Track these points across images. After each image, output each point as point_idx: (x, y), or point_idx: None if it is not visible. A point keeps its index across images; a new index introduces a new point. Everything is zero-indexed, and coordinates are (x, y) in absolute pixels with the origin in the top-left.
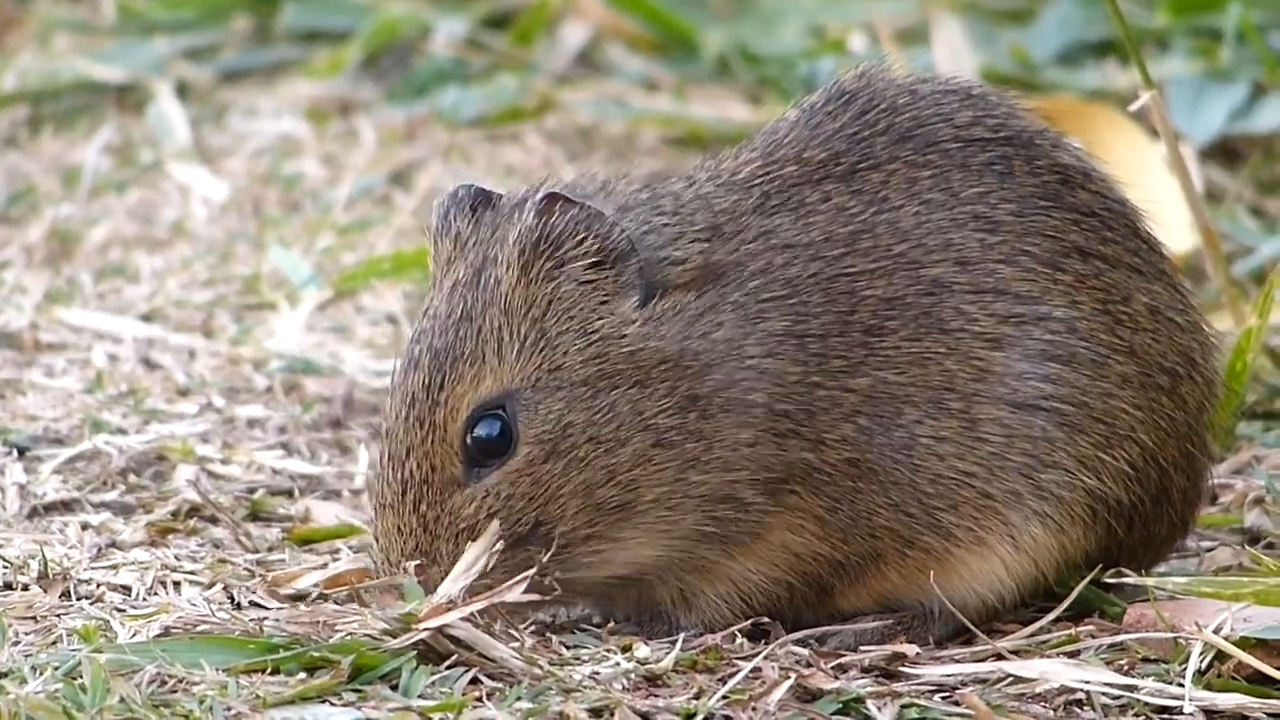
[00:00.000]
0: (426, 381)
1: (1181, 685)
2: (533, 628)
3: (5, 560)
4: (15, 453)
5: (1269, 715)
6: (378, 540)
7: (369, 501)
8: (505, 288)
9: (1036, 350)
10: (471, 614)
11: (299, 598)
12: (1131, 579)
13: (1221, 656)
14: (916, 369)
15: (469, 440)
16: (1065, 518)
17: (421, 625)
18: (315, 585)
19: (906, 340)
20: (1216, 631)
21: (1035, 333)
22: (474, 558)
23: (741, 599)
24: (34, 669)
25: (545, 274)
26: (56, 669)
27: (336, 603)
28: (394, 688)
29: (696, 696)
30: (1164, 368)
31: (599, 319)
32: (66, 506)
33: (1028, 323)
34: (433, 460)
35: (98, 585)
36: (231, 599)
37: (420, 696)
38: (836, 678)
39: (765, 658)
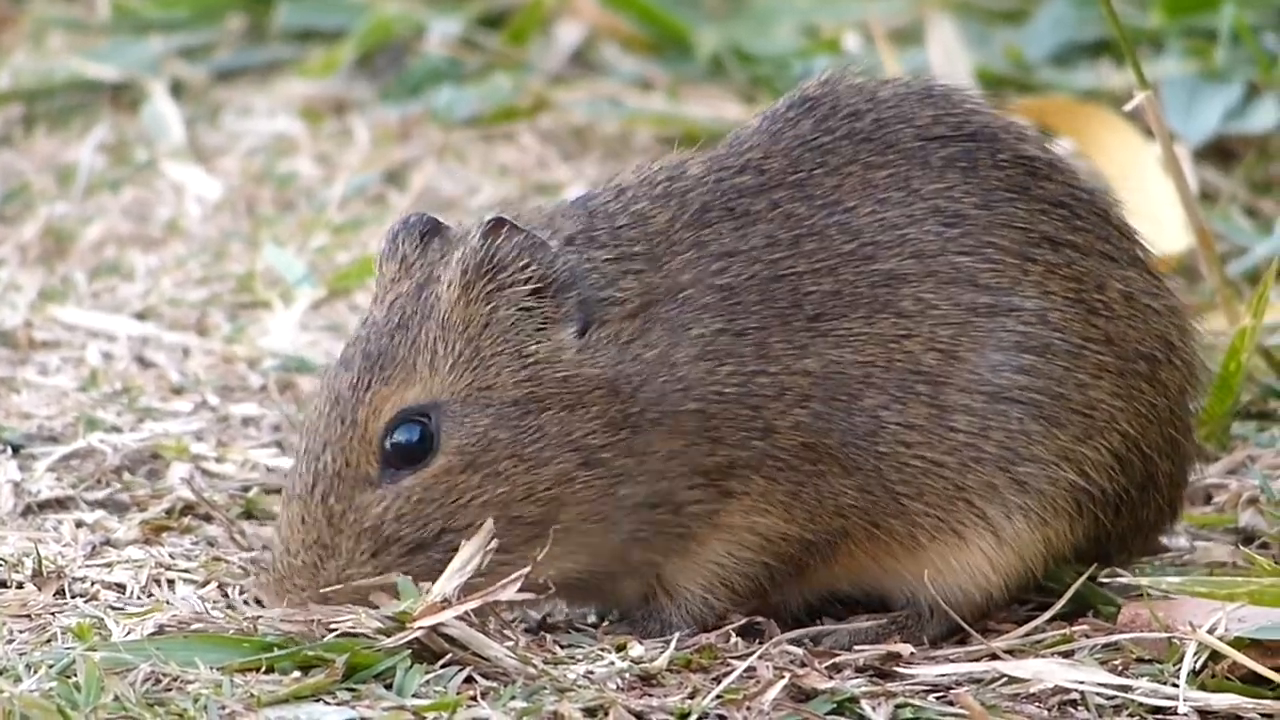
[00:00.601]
0: (354, 381)
1: (1176, 685)
2: (526, 626)
3: None
4: (9, 450)
5: (1263, 715)
6: (279, 530)
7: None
8: (445, 304)
9: (1010, 341)
10: (466, 613)
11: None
12: (1126, 579)
13: (1216, 657)
14: (875, 348)
15: (388, 442)
16: (1048, 510)
17: (416, 624)
18: None
19: (860, 322)
20: (1211, 632)
21: (1007, 324)
22: (468, 556)
23: (722, 583)
24: (28, 667)
25: (485, 295)
26: (51, 667)
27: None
28: (388, 687)
29: (691, 696)
30: (1142, 353)
31: (535, 344)
32: (61, 504)
33: (999, 314)
34: (348, 456)
35: (92, 583)
36: (226, 597)
37: (414, 695)
38: (831, 677)
39: (760, 657)
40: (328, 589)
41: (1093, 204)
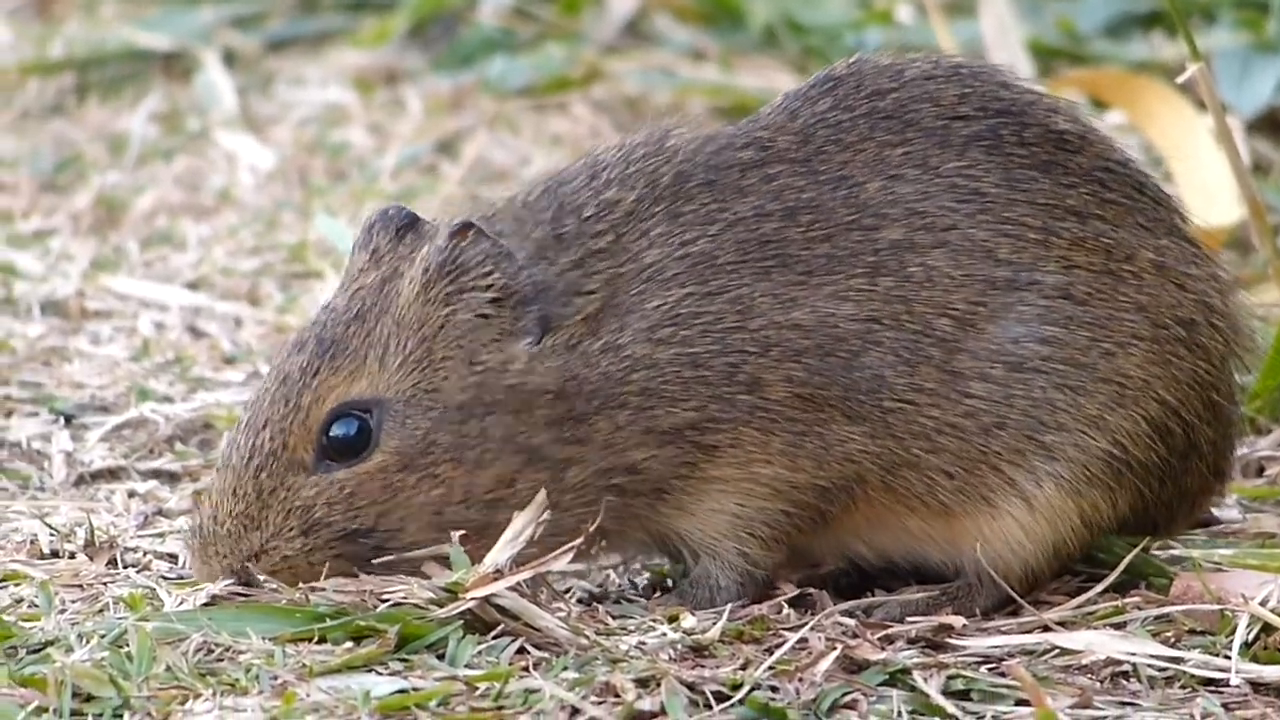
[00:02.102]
0: (304, 365)
1: (1228, 657)
2: (579, 597)
3: (52, 528)
4: (62, 421)
5: None
6: (210, 497)
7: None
8: (403, 301)
9: (1032, 315)
10: (518, 584)
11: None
12: (1178, 550)
13: (1268, 629)
14: (879, 304)
15: (326, 433)
16: (1081, 479)
17: (468, 595)
18: None
19: (862, 279)
20: (1263, 604)
21: (1028, 298)
22: (520, 527)
23: (747, 533)
24: (80, 637)
25: (444, 297)
26: (103, 637)
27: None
28: (440, 657)
29: (743, 667)
30: (1179, 319)
31: (487, 354)
32: (113, 474)
33: (1019, 288)
34: (286, 438)
35: (144, 553)
36: None
37: (466, 666)
38: (883, 649)
39: (812, 628)
40: (250, 560)
41: (1126, 175)
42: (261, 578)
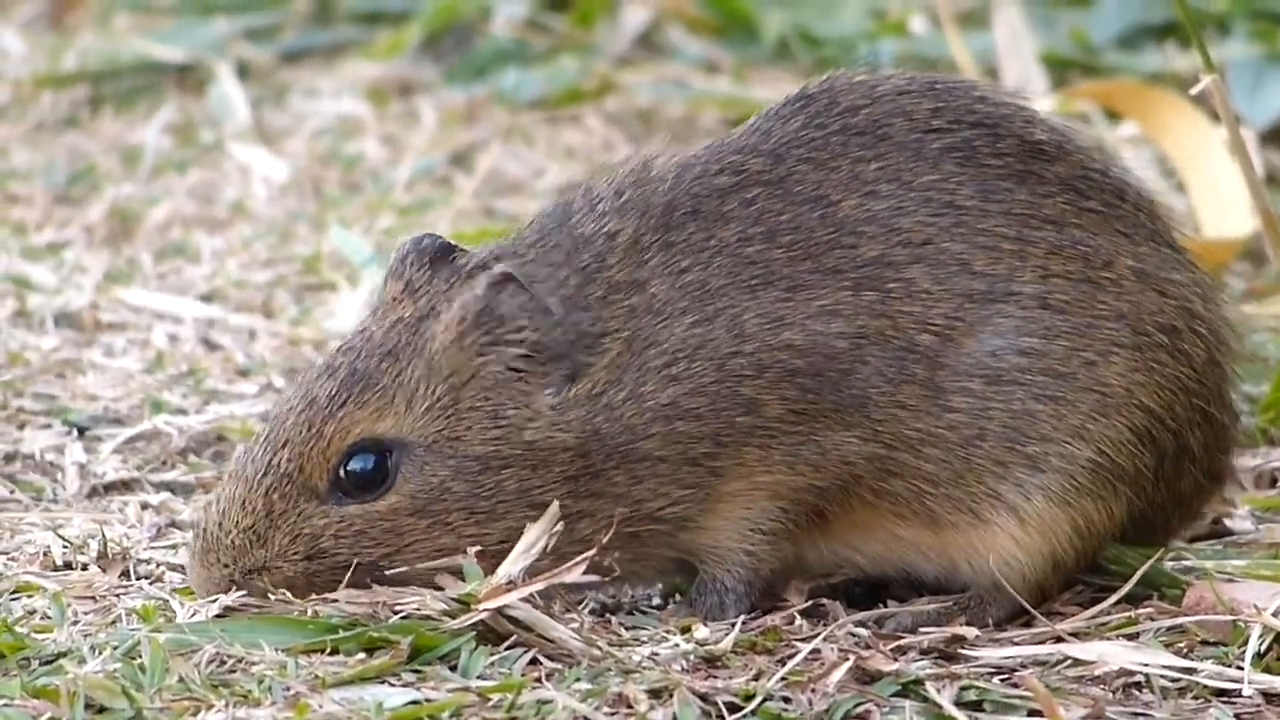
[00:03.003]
0: (333, 392)
1: (1241, 668)
2: (591, 608)
3: (65, 540)
4: (75, 432)
5: None
6: (217, 503)
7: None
8: (437, 346)
9: (1009, 327)
10: (531, 595)
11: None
12: (1191, 561)
13: None
14: (869, 319)
15: (344, 465)
16: (1070, 490)
17: (481, 606)
18: None
19: (848, 294)
20: (1276, 615)
21: (1005, 309)
22: (533, 539)
23: (751, 530)
24: (93, 649)
25: (478, 347)
26: (115, 649)
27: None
28: (453, 668)
29: (755, 678)
30: (1161, 326)
31: (513, 409)
32: (126, 486)
33: (995, 300)
34: (303, 463)
35: (157, 565)
36: None
37: (479, 677)
38: (896, 659)
39: (824, 639)
40: (249, 574)
41: (1106, 183)
42: (258, 590)
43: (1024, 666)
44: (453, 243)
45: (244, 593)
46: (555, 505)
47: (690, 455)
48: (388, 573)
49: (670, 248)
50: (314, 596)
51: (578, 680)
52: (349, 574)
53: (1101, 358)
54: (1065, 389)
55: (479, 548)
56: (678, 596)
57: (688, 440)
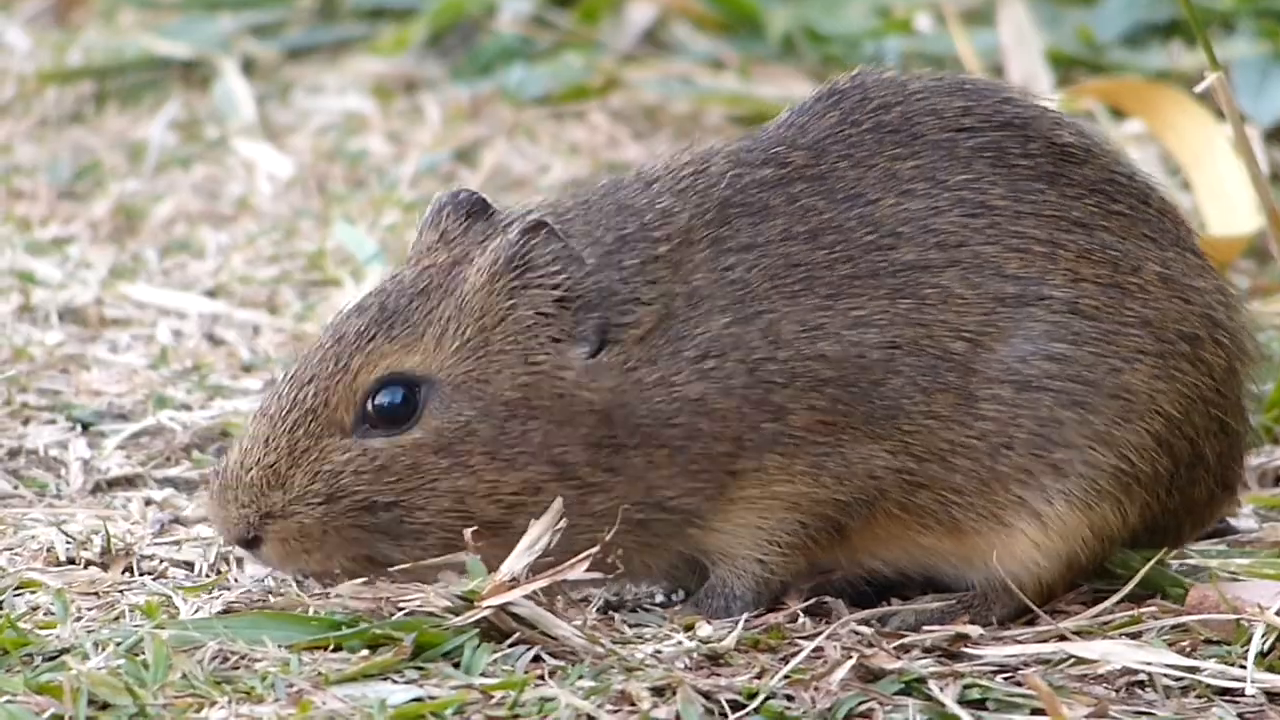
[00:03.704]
0: (361, 328)
1: (1244, 667)
2: (596, 606)
3: (68, 536)
4: (79, 428)
5: None
6: (241, 439)
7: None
8: (469, 287)
9: (1039, 331)
10: (534, 592)
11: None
12: (1194, 560)
13: None
14: (904, 329)
15: (371, 399)
16: (1090, 494)
17: (484, 603)
18: None
19: (884, 304)
20: (1279, 613)
21: (1036, 313)
22: (536, 535)
23: (768, 542)
24: (96, 645)
25: (509, 290)
26: (119, 645)
27: (400, 579)
28: (456, 665)
29: (759, 676)
30: (1183, 334)
31: (544, 354)
32: (130, 482)
33: (1027, 303)
34: (329, 397)
35: (160, 561)
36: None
37: (482, 674)
38: (899, 658)
39: (827, 637)
40: (266, 518)
41: (1131, 187)
42: (266, 548)
43: (1027, 665)
44: (489, 200)
45: (261, 548)
46: (559, 502)
47: (710, 453)
48: (402, 521)
49: (718, 243)
50: (322, 561)
51: (581, 678)
52: (364, 514)
53: (1127, 364)
54: (1092, 395)
55: (494, 496)
56: (681, 593)
57: (709, 438)
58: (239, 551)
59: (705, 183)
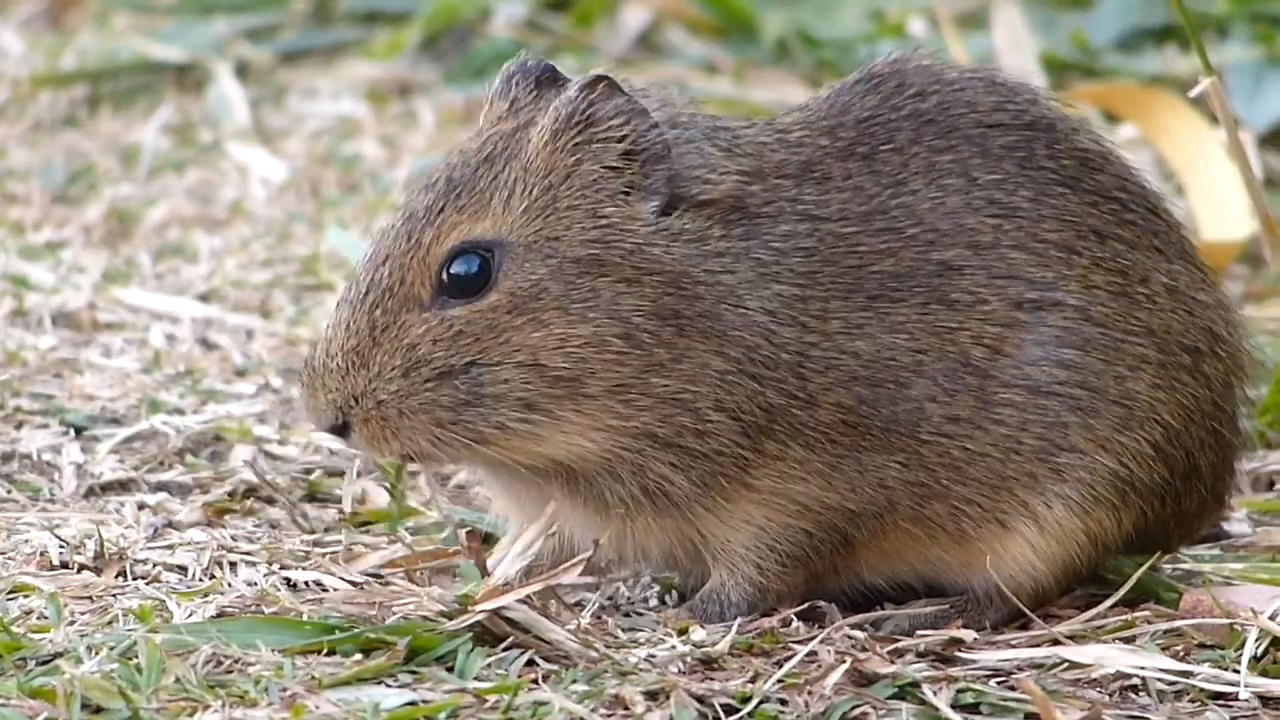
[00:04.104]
0: (430, 203)
1: (1237, 671)
2: (590, 610)
3: (62, 540)
4: (72, 432)
5: None
6: (325, 329)
7: None
8: (533, 148)
9: (1050, 336)
10: (528, 596)
11: (374, 576)
12: (1188, 565)
13: (1277, 643)
14: (931, 337)
15: (446, 269)
16: (1088, 499)
17: (478, 607)
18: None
19: (917, 308)
20: (1272, 618)
21: (1049, 319)
22: (530, 540)
23: (769, 548)
24: (90, 649)
25: (572, 146)
26: (112, 649)
27: (394, 583)
28: (450, 669)
29: (752, 680)
30: (1185, 346)
31: (612, 207)
32: (123, 486)
33: (1042, 308)
34: (405, 273)
35: (154, 565)
36: (288, 580)
37: (476, 678)
38: (892, 662)
39: (821, 641)
40: (351, 401)
41: (1144, 197)
42: (355, 434)
43: (1021, 669)
44: (559, 70)
45: (350, 435)
46: (553, 506)
47: (750, 393)
48: (478, 383)
49: (796, 203)
50: (404, 440)
51: (574, 682)
52: (441, 382)
53: (1131, 372)
54: (1097, 401)
55: (564, 349)
56: (675, 596)
57: (745, 397)
58: (329, 440)
59: (794, 140)
